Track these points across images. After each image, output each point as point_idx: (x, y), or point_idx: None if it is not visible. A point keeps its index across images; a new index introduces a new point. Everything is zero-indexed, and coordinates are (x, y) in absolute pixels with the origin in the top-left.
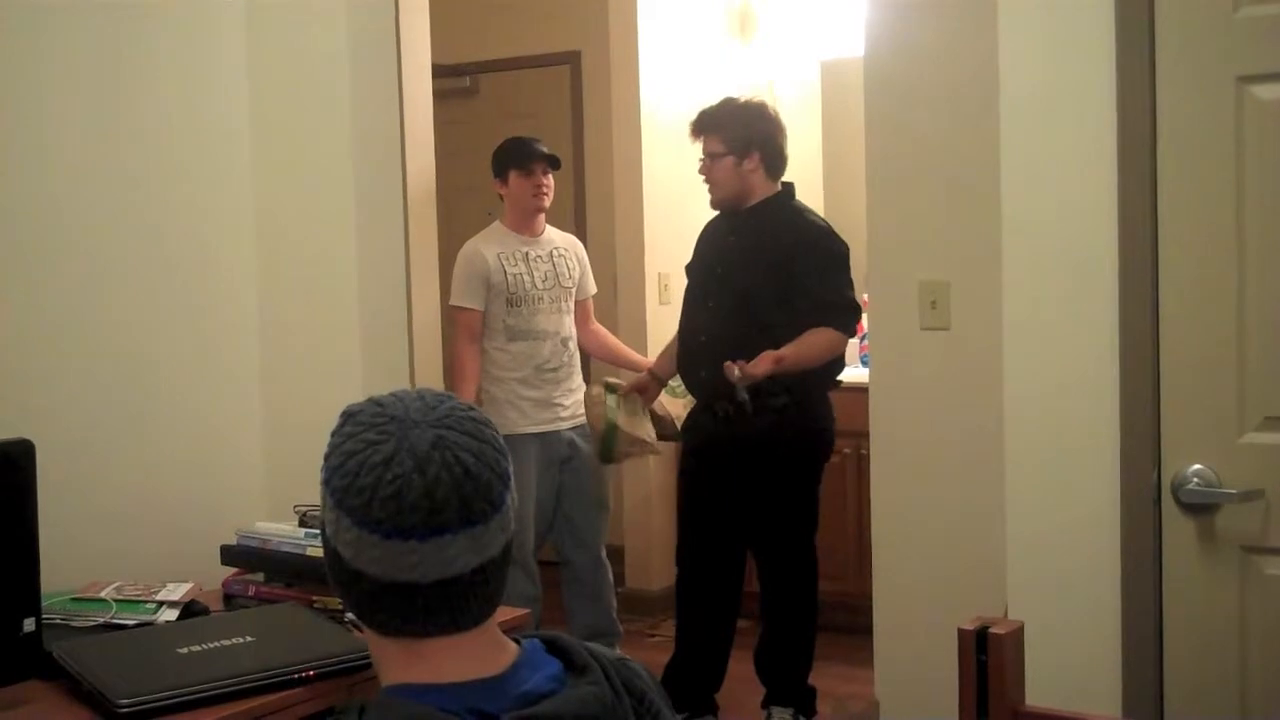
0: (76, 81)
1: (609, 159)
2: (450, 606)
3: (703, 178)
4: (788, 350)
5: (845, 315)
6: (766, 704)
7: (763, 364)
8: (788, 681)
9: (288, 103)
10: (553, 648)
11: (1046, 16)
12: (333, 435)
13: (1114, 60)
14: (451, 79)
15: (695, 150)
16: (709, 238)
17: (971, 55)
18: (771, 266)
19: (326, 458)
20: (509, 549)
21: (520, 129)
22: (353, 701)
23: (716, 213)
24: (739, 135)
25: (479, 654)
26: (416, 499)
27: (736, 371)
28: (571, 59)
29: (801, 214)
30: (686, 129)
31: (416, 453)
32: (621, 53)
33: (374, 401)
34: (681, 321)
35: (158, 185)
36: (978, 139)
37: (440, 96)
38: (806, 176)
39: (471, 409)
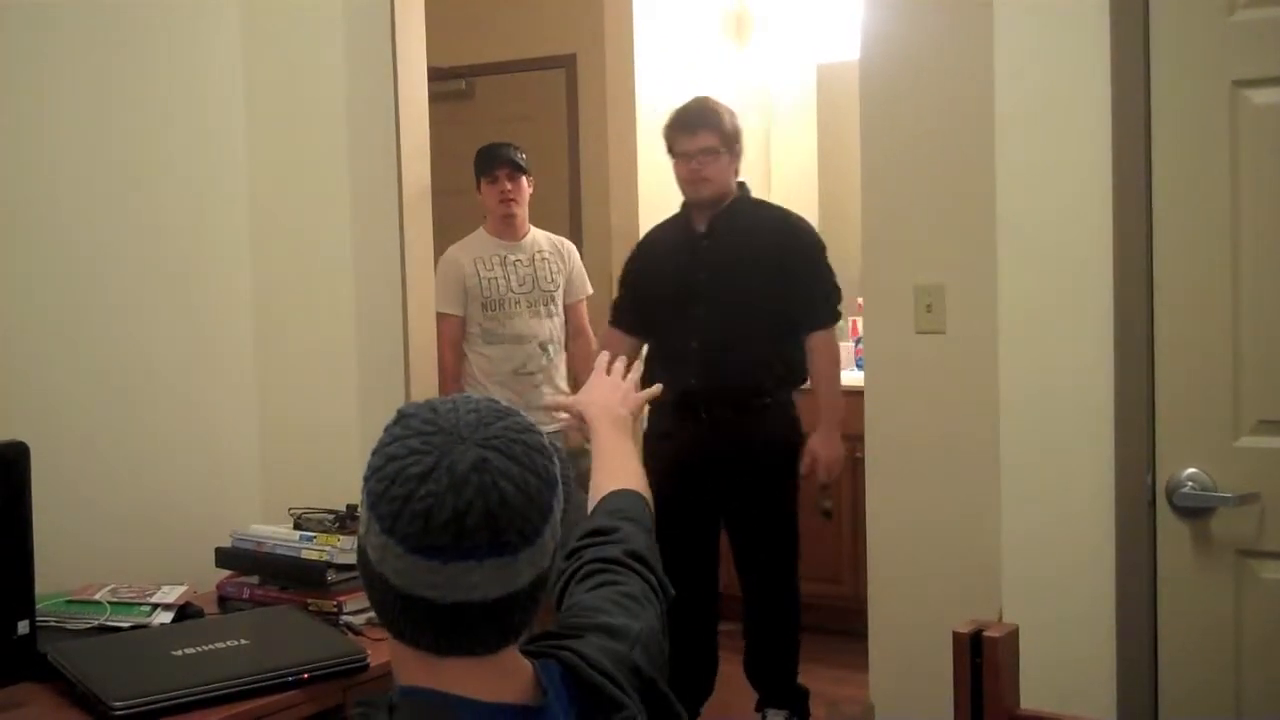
0: (73, 85)
1: (604, 162)
2: (464, 631)
3: (691, 175)
4: (831, 417)
5: (835, 308)
6: (761, 707)
7: (831, 452)
8: (780, 683)
9: (283, 107)
10: (573, 673)
11: (1042, 21)
12: (385, 430)
13: (1109, 64)
14: (447, 82)
15: None
16: (669, 247)
17: (967, 59)
18: (764, 263)
19: (373, 454)
20: (540, 582)
21: (516, 132)
22: (377, 696)
23: (659, 226)
24: (729, 133)
25: (497, 676)
26: (445, 520)
27: (823, 478)
28: (567, 62)
29: (776, 208)
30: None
31: (455, 472)
32: (617, 56)
33: (430, 406)
34: (656, 335)
35: (154, 189)
36: (973, 143)
37: (436, 99)
38: (802, 179)
39: (530, 429)
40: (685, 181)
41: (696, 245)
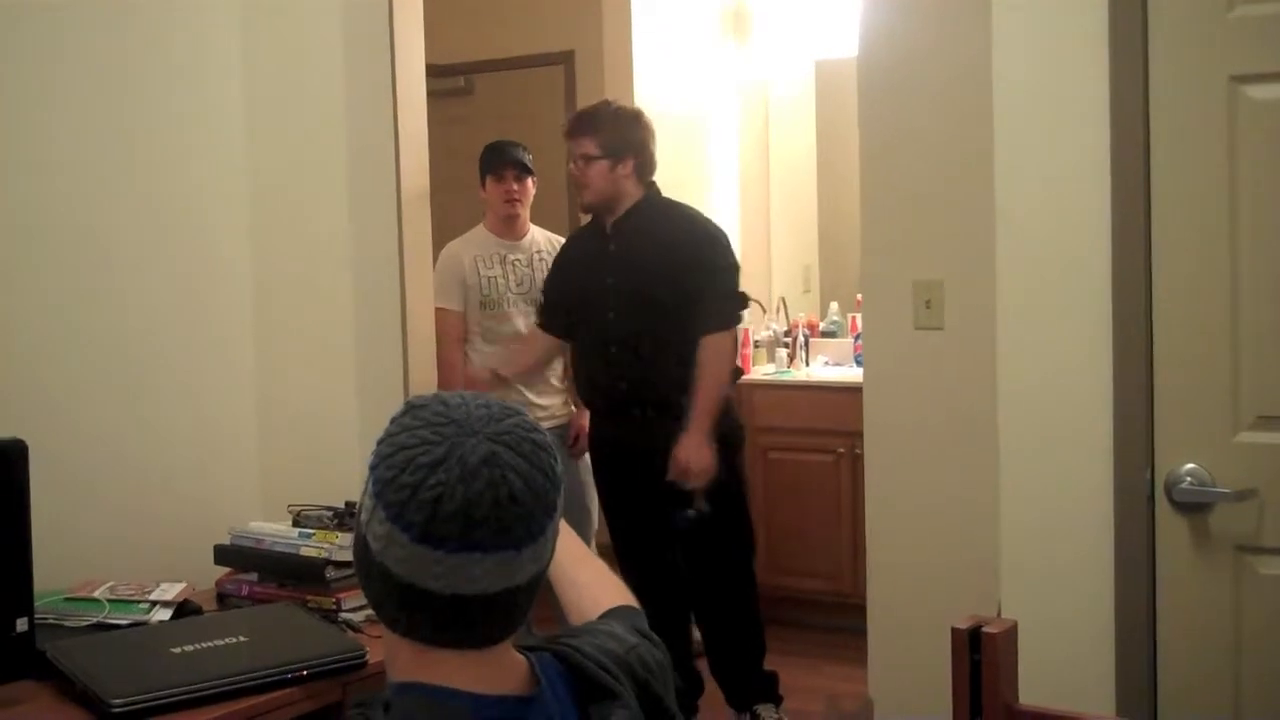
0: (72, 81)
1: None
2: (462, 624)
3: (575, 179)
4: (703, 423)
5: (733, 312)
6: (746, 704)
7: (702, 460)
8: (756, 674)
9: (282, 103)
10: (565, 663)
11: (1040, 16)
12: (392, 421)
13: (1107, 60)
14: (446, 79)
15: (689, 151)
16: (582, 252)
17: (966, 55)
18: (666, 266)
19: (379, 443)
20: (538, 579)
21: (515, 129)
22: (373, 695)
23: (578, 230)
24: (614, 140)
25: (491, 669)
26: (454, 511)
27: (693, 484)
28: (566, 59)
29: (685, 210)
30: (679, 129)
31: (466, 464)
32: (615, 53)
33: (440, 399)
34: (577, 338)
35: (153, 185)
36: (972, 139)
37: (435, 96)
38: (800, 176)
39: (536, 429)
40: (571, 184)
41: (604, 249)
